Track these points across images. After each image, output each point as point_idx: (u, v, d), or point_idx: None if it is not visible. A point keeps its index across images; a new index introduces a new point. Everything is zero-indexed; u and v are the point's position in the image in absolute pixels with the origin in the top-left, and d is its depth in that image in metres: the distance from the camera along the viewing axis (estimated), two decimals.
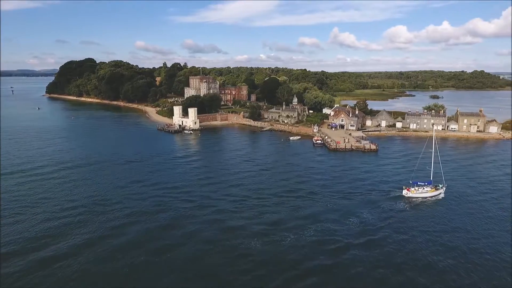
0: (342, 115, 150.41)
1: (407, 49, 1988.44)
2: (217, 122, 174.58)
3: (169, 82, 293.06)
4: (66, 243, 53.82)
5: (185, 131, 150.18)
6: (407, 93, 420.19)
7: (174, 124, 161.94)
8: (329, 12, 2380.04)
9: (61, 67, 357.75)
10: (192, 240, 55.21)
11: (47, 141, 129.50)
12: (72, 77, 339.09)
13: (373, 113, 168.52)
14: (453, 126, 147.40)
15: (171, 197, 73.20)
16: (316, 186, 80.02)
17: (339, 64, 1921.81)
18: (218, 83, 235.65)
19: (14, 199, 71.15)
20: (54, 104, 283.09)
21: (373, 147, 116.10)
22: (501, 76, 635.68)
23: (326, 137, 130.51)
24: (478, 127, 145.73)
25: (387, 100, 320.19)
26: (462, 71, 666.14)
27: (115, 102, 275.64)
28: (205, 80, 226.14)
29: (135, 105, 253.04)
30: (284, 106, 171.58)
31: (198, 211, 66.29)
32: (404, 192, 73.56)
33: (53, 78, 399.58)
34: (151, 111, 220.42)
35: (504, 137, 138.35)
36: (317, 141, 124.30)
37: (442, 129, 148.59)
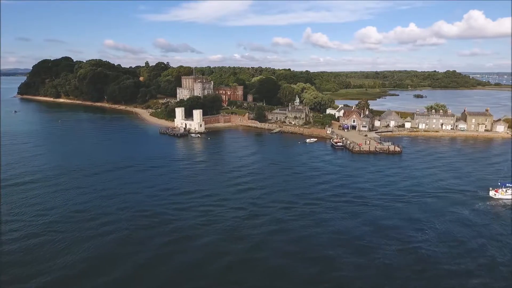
0: (354, 116, 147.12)
1: (377, 50, 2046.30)
2: (220, 124, 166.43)
3: (155, 82, 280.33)
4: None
5: (191, 135, 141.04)
6: (391, 92, 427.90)
7: (177, 126, 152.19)
8: (302, 13, 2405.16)
9: (34, 66, 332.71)
10: (276, 252, 49.00)
11: (39, 148, 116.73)
12: (48, 77, 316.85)
13: (373, 113, 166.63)
14: (462, 125, 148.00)
15: (216, 206, 67.44)
16: (370, 191, 75.68)
17: (313, 64, 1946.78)
18: (212, 83, 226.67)
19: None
20: (30, 106, 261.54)
21: (397, 149, 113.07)
22: (471, 76, 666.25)
23: (344, 138, 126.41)
24: (485, 127, 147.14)
25: (375, 99, 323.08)
26: (435, 71, 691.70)
27: (99, 104, 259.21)
28: (199, 80, 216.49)
29: (122, 107, 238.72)
30: (290, 107, 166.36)
31: (255, 220, 61.07)
32: (492, 193, 72.04)
33: (15, 77, 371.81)
34: (143, 113, 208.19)
35: None
36: (338, 144, 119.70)
37: (451, 128, 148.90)
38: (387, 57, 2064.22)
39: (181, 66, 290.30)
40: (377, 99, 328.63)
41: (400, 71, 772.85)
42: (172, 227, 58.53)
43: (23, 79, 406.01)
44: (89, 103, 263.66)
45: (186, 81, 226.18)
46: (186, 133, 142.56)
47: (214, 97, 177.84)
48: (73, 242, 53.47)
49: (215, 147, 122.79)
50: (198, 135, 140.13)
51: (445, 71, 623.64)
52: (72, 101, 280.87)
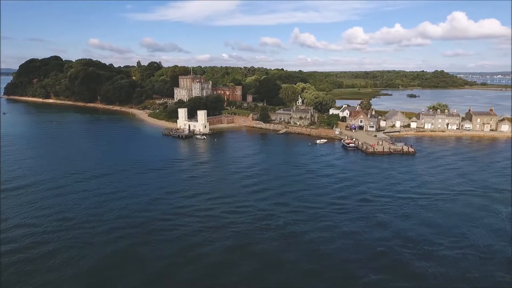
0: (361, 116, 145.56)
1: (364, 50, 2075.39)
2: (223, 125, 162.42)
3: (148, 82, 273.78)
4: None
5: (197, 136, 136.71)
6: (383, 92, 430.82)
7: (180, 128, 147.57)
8: (290, 13, 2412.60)
9: (21, 66, 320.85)
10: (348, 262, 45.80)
11: (41, 151, 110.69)
12: (36, 76, 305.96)
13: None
14: (468, 125, 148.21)
15: (262, 212, 63.63)
16: (411, 192, 74.49)
17: (300, 64, 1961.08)
18: (210, 83, 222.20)
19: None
20: (19, 107, 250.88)
21: (411, 149, 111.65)
22: (458, 76, 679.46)
23: (354, 139, 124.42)
24: (490, 126, 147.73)
25: (370, 99, 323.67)
26: (423, 71, 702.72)
27: (91, 104, 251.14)
28: (198, 80, 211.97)
29: (117, 107, 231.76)
30: (294, 107, 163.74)
31: (306, 225, 58.91)
32: None
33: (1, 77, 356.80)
34: (140, 114, 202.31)
35: None
36: (350, 145, 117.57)
37: (457, 128, 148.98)
38: (374, 57, 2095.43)
39: (176, 66, 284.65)
40: (372, 99, 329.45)
41: (389, 71, 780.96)
42: (199, 233, 54.97)
43: (6, 79, 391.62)
44: (81, 103, 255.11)
45: (184, 81, 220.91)
46: (191, 135, 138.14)
47: (217, 98, 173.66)
48: (87, 248, 49.75)
49: (224, 149, 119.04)
50: (204, 136, 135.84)
51: (433, 71, 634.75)
52: (63, 101, 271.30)
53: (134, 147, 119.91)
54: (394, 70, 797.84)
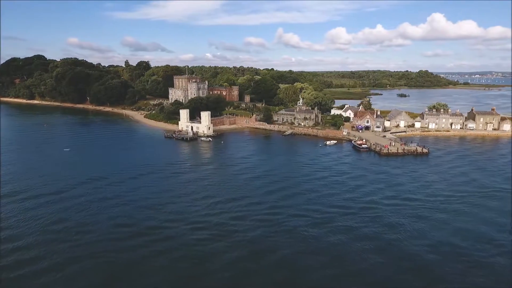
0: (368, 116, 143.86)
1: (347, 50, 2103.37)
2: (225, 127, 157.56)
3: (139, 82, 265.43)
4: None
5: (201, 138, 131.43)
6: (373, 92, 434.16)
7: (183, 130, 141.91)
8: (273, 13, 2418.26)
9: (2, 65, 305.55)
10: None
11: (45, 157, 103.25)
12: (19, 76, 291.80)
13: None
14: (471, 125, 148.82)
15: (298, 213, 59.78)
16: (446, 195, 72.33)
17: (285, 64, 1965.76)
18: (207, 83, 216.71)
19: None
20: (1, 109, 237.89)
21: (424, 150, 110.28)
22: (441, 75, 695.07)
23: (364, 140, 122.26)
24: (493, 125, 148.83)
25: (369, 100, 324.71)
26: (407, 71, 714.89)
27: (80, 105, 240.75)
28: (194, 80, 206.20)
29: (108, 108, 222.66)
30: (297, 108, 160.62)
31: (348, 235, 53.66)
32: None
33: None
34: (135, 115, 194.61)
35: None
36: (363, 146, 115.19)
37: (461, 128, 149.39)
38: (356, 57, 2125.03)
39: (167, 65, 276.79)
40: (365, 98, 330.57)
41: (374, 71, 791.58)
42: (234, 238, 50.77)
43: None
44: (69, 104, 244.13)
45: (179, 81, 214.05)
46: (196, 137, 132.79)
47: (217, 98, 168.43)
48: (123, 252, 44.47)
49: (234, 152, 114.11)
50: (210, 138, 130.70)
51: (417, 71, 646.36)
52: (49, 102, 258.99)
53: (139, 151, 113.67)
54: (379, 70, 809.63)
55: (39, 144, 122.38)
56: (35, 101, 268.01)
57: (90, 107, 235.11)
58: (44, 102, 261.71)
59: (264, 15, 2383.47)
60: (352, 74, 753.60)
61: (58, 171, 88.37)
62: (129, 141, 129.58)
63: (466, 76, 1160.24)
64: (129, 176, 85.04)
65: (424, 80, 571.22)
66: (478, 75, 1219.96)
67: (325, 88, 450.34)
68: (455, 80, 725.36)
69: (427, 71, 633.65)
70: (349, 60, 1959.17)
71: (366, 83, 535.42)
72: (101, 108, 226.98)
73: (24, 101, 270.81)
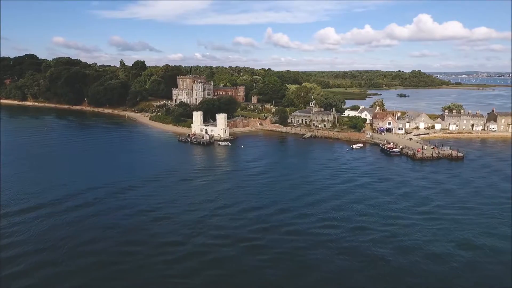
0: (389, 118, 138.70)
1: (336, 50, 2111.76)
2: (239, 129, 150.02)
3: (136, 82, 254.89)
4: None
5: (219, 143, 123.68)
6: (371, 92, 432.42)
7: (197, 133, 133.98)
8: (262, 13, 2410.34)
9: None
10: None
11: (56, 164, 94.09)
12: (9, 77, 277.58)
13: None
14: (493, 126, 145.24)
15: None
16: None
17: (274, 64, 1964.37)
18: (212, 83, 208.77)
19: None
20: None
21: (459, 154, 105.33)
22: (434, 76, 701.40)
23: (391, 143, 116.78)
24: None
25: (365, 99, 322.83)
26: (399, 71, 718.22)
27: (77, 107, 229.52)
28: (199, 81, 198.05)
29: (108, 110, 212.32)
30: (313, 109, 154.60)
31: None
32: None
33: None
34: (139, 117, 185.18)
35: None
36: (394, 150, 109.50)
37: (482, 129, 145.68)
38: (345, 57, 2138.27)
39: (167, 65, 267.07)
40: (367, 99, 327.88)
41: (366, 71, 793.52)
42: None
43: None
44: (65, 106, 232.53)
45: (183, 81, 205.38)
46: (212, 141, 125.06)
47: (229, 99, 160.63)
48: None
49: (259, 158, 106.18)
50: (228, 143, 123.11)
51: (410, 71, 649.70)
52: (43, 104, 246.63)
53: (157, 156, 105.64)
54: (371, 70, 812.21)
55: (51, 151, 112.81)
56: (28, 103, 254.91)
57: (88, 108, 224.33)
58: (37, 104, 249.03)
59: (253, 15, 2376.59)
60: (345, 74, 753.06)
61: (91, 177, 79.88)
62: (143, 145, 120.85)
63: (454, 76, 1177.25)
64: (161, 184, 78.05)
65: (418, 80, 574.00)
66: (465, 75, 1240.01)
67: (323, 88, 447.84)
68: (449, 80, 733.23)
69: (420, 71, 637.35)
70: (338, 60, 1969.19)
71: (362, 83, 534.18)
72: (100, 109, 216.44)
73: (16, 102, 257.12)
